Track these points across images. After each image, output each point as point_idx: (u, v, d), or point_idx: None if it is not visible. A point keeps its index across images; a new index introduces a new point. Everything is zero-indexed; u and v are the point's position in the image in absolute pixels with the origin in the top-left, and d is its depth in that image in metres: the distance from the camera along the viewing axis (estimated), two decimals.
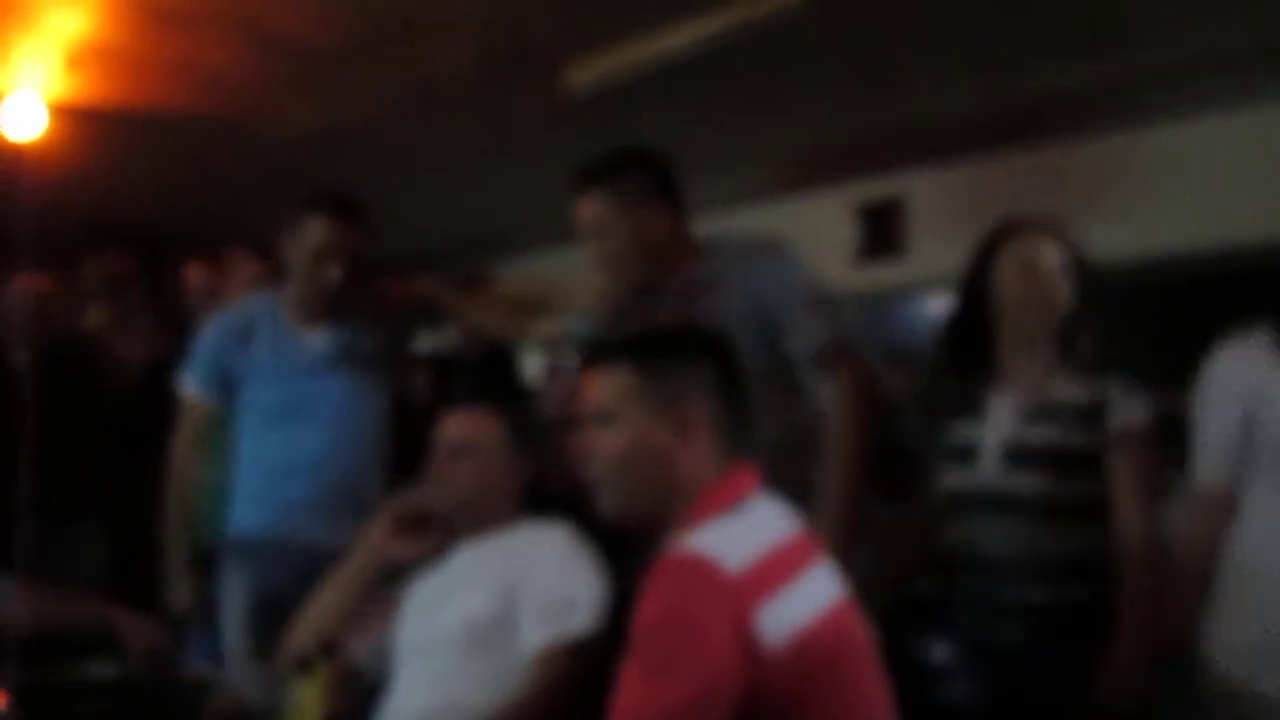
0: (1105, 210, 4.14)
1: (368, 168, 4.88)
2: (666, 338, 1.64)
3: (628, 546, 2.25)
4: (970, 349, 2.36)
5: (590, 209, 2.30)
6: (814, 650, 1.37)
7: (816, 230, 5.14)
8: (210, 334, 2.86)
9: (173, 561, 2.75)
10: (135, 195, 5.03)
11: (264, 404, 2.76)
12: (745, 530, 1.44)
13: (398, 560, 2.13)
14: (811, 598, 1.43)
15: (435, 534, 2.12)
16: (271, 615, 2.53)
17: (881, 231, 4.84)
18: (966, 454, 2.29)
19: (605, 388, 1.56)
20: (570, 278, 2.66)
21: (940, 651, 2.52)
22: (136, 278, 3.76)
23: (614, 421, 1.54)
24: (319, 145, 4.47)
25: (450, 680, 1.96)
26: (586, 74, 3.80)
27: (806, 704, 1.36)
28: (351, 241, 2.76)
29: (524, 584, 1.98)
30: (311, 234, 2.73)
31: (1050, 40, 3.44)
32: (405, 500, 2.16)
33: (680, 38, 3.54)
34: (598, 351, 1.62)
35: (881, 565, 2.37)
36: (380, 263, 5.86)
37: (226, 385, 2.80)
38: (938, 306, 5.05)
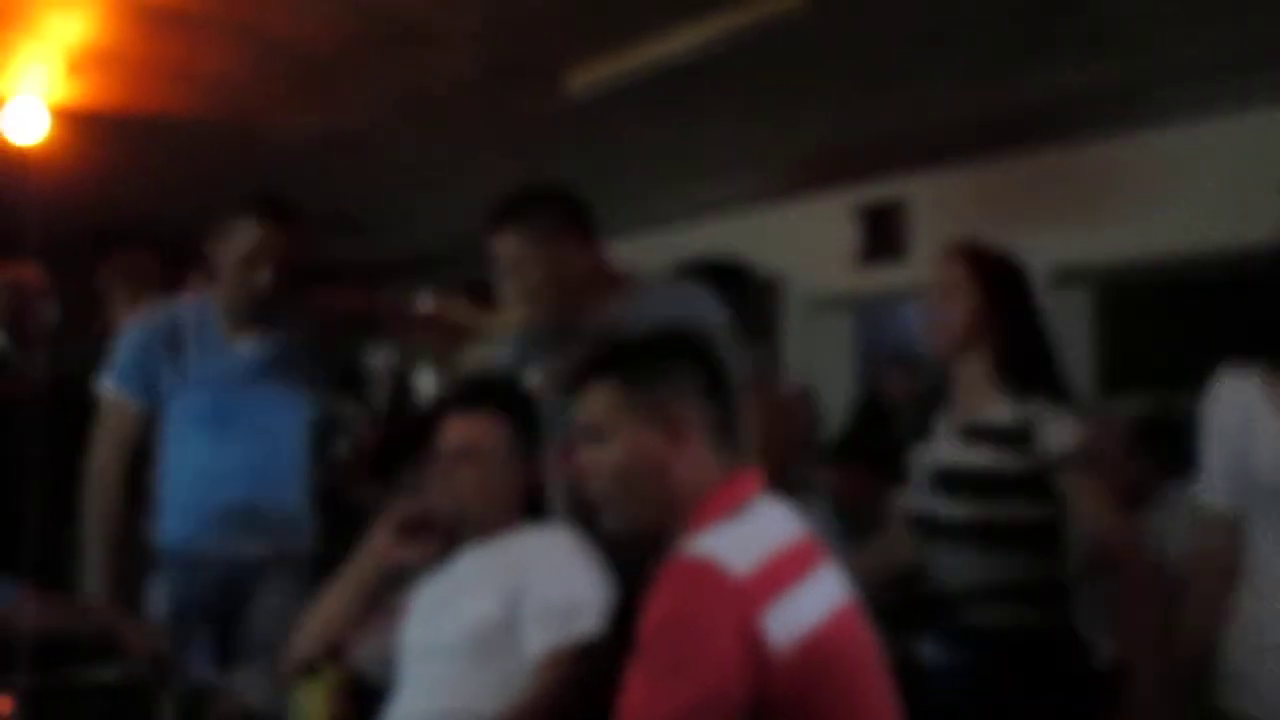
0: (1106, 213, 4.16)
1: (368, 172, 4.90)
2: (647, 347, 1.63)
3: (631, 551, 2.28)
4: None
5: (505, 246, 2.37)
6: (820, 653, 1.37)
7: (817, 233, 5.16)
8: (136, 337, 2.78)
9: (91, 566, 2.65)
10: (137, 199, 5.04)
11: (191, 412, 2.71)
12: (750, 533, 1.44)
13: (401, 565, 2.13)
14: (817, 601, 1.44)
15: (438, 538, 2.12)
16: (188, 626, 2.58)
17: (882, 234, 4.85)
18: (915, 477, 2.31)
19: (593, 405, 1.56)
20: (505, 305, 2.64)
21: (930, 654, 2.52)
22: (156, 275, 3.74)
23: (606, 438, 1.54)
24: (320, 150, 4.47)
25: (454, 685, 1.96)
26: (587, 78, 3.80)
27: (813, 707, 1.37)
28: (282, 247, 2.69)
29: (527, 588, 1.98)
30: (241, 238, 2.67)
31: (1051, 43, 3.44)
32: (408, 505, 2.16)
33: (680, 42, 3.55)
34: (580, 371, 1.62)
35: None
36: (378, 268, 5.87)
37: (152, 390, 2.72)
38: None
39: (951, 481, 2.22)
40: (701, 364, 1.58)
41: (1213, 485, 1.95)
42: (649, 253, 5.46)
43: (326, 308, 2.98)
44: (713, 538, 1.41)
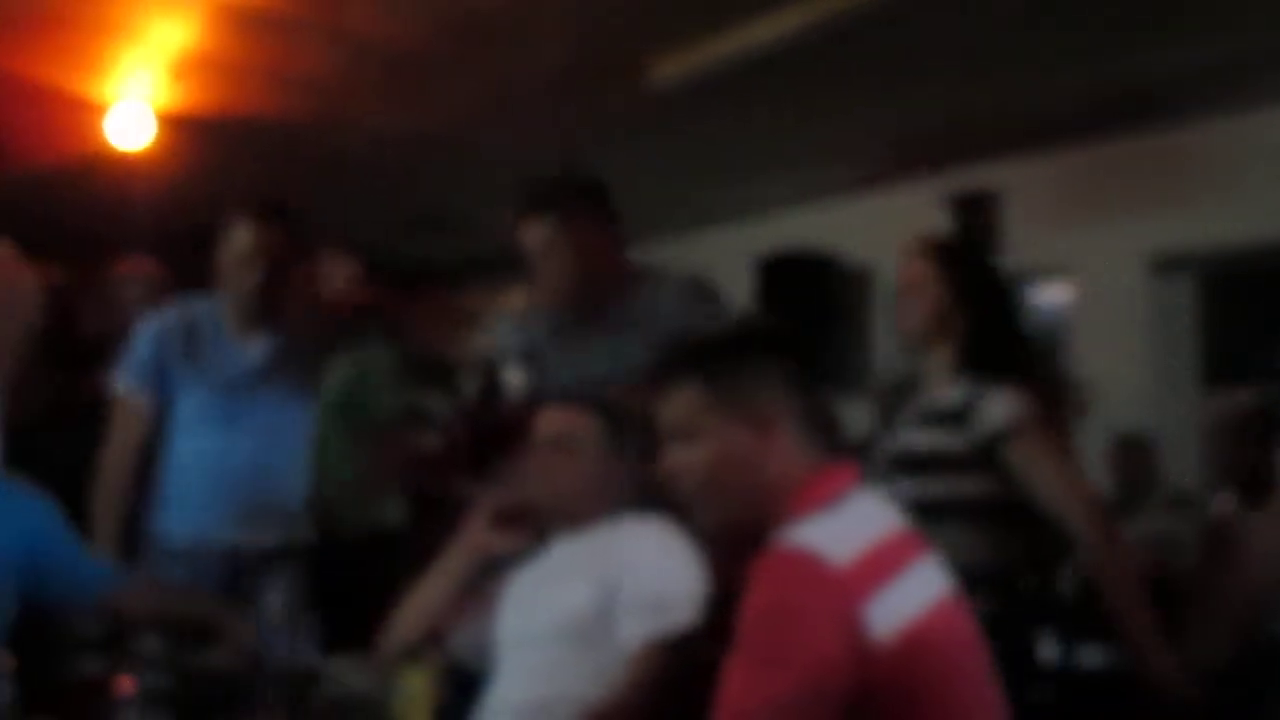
0: (1208, 198, 4.04)
1: (456, 170, 4.96)
2: (727, 342, 1.61)
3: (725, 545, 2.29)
4: None
5: (531, 233, 2.40)
6: (921, 644, 1.35)
7: (908, 222, 5.09)
8: (149, 334, 2.81)
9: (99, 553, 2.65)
10: (235, 200, 5.17)
11: (198, 411, 2.74)
12: (848, 525, 1.42)
13: (495, 554, 2.16)
14: (918, 592, 1.41)
15: (531, 528, 2.15)
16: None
17: (974, 222, 4.77)
18: (878, 462, 2.35)
19: (676, 407, 1.53)
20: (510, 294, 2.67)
21: None
22: None
23: (693, 438, 1.51)
24: (409, 148, 4.55)
25: (551, 673, 1.98)
26: (672, 70, 3.80)
27: (914, 698, 1.35)
28: (276, 245, 2.70)
29: (623, 579, 1.98)
30: (236, 238, 2.69)
31: (1150, 25, 3.36)
32: (501, 495, 2.18)
33: (766, 31, 3.53)
34: (660, 371, 1.60)
35: None
36: (465, 266, 5.92)
37: (164, 387, 2.75)
38: (1035, 298, 4.96)
39: (902, 464, 2.28)
40: (782, 355, 1.56)
41: None
42: (736, 244, 5.47)
43: (329, 304, 3.03)
44: (810, 528, 1.40)
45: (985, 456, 2.20)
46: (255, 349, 2.76)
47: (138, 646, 2.11)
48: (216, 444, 2.71)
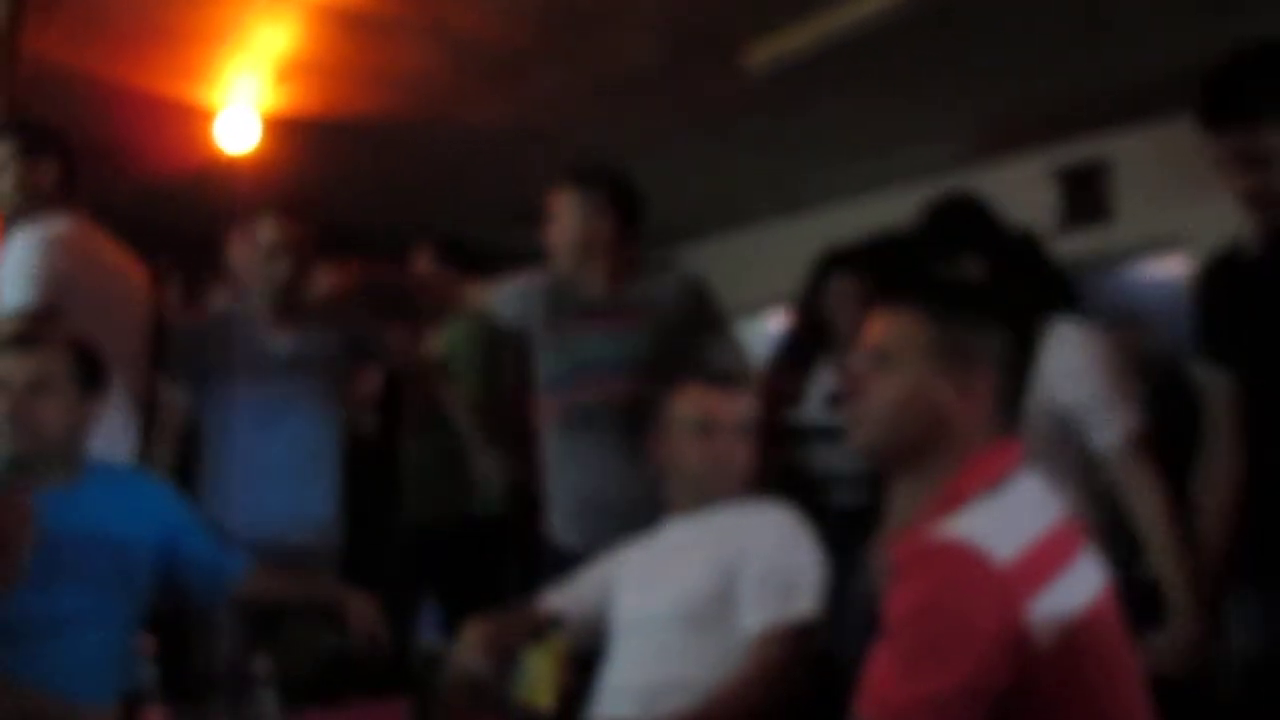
0: None
1: (555, 163, 4.98)
2: (971, 294, 1.57)
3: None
4: None
5: (558, 202, 2.71)
6: (1081, 643, 1.30)
7: (1015, 197, 4.96)
8: (186, 333, 2.94)
9: None
10: (341, 201, 5.27)
11: (233, 406, 2.80)
12: (1013, 514, 1.36)
13: None
14: (1080, 589, 1.35)
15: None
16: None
17: (1084, 196, 4.64)
18: None
19: (890, 328, 1.48)
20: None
21: None
22: None
23: (894, 365, 1.46)
24: (510, 142, 4.58)
25: (670, 656, 1.97)
26: (770, 53, 3.77)
27: (1071, 697, 1.29)
28: (300, 239, 2.79)
29: (744, 563, 1.97)
30: (262, 232, 2.78)
31: None
32: None
33: (861, 10, 3.48)
34: (890, 290, 1.55)
35: None
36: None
37: (200, 383, 2.83)
38: (1149, 272, 4.81)
39: None
40: (1015, 337, 1.51)
41: None
42: (839, 227, 5.39)
43: (347, 287, 3.07)
44: (972, 518, 1.34)
45: None
46: (285, 344, 2.82)
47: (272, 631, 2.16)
48: (251, 443, 2.77)
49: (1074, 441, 2.14)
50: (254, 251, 2.80)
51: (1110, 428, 2.10)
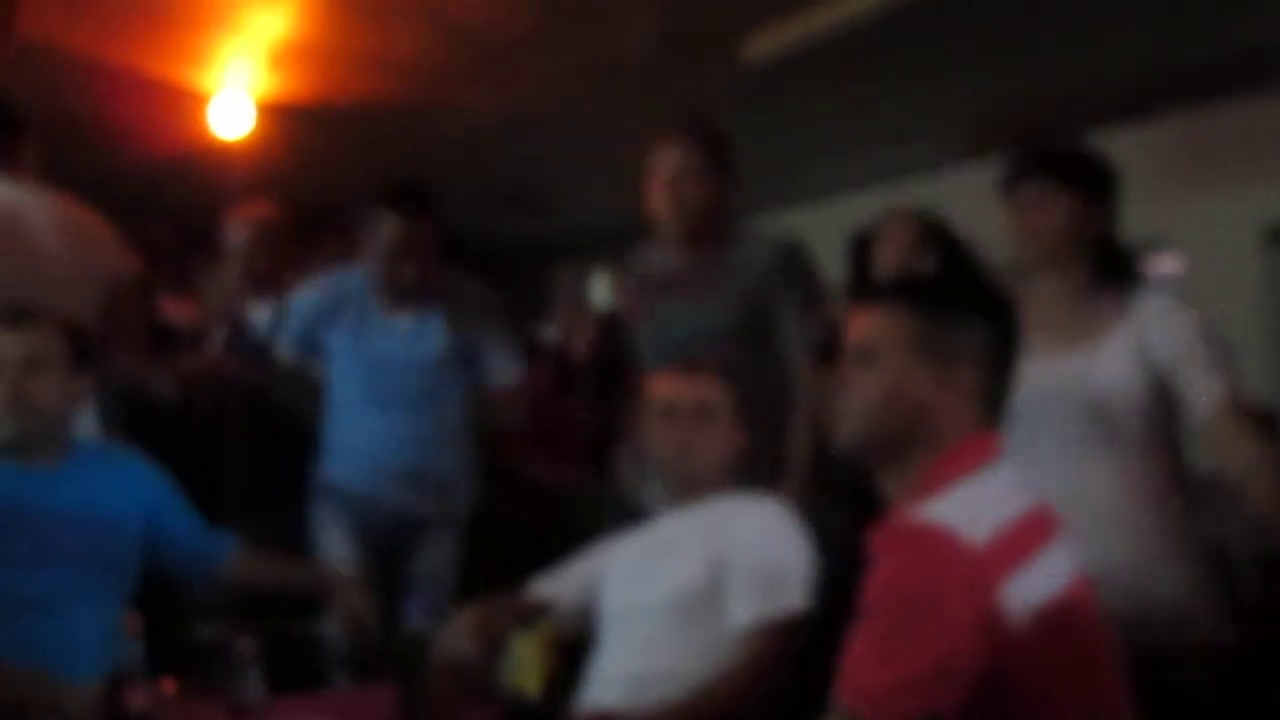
0: None
1: (548, 150, 4.98)
2: (951, 291, 1.58)
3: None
4: None
5: (672, 153, 2.59)
6: (1055, 627, 1.31)
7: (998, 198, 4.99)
8: (301, 299, 2.96)
9: None
10: (333, 185, 5.25)
11: (349, 379, 2.86)
12: (987, 500, 1.38)
13: None
14: (1054, 573, 1.37)
15: None
16: (371, 556, 2.77)
17: None
18: None
19: (874, 326, 1.50)
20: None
21: None
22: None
23: (877, 361, 1.48)
24: (503, 129, 4.57)
25: (658, 647, 1.97)
26: (763, 46, 3.77)
27: (1047, 681, 1.31)
28: (423, 237, 2.78)
29: (733, 555, 1.97)
30: (385, 230, 2.76)
31: None
32: None
33: (858, 5, 3.48)
34: (870, 289, 1.58)
35: None
36: (554, 245, 5.95)
37: (315, 348, 2.91)
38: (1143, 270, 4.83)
39: None
40: (999, 333, 1.52)
41: None
42: (830, 221, 5.40)
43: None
44: (947, 503, 1.36)
45: None
46: (400, 326, 2.84)
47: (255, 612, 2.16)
48: (372, 419, 2.82)
49: (1168, 410, 2.06)
50: (375, 244, 2.78)
51: (1209, 391, 2.03)
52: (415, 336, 2.83)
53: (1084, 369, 2.03)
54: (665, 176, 2.58)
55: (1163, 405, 2.03)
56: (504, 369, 2.93)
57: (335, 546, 2.82)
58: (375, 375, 2.83)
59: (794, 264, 2.62)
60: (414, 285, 2.80)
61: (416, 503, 2.83)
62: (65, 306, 2.27)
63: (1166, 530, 2.01)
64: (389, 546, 2.81)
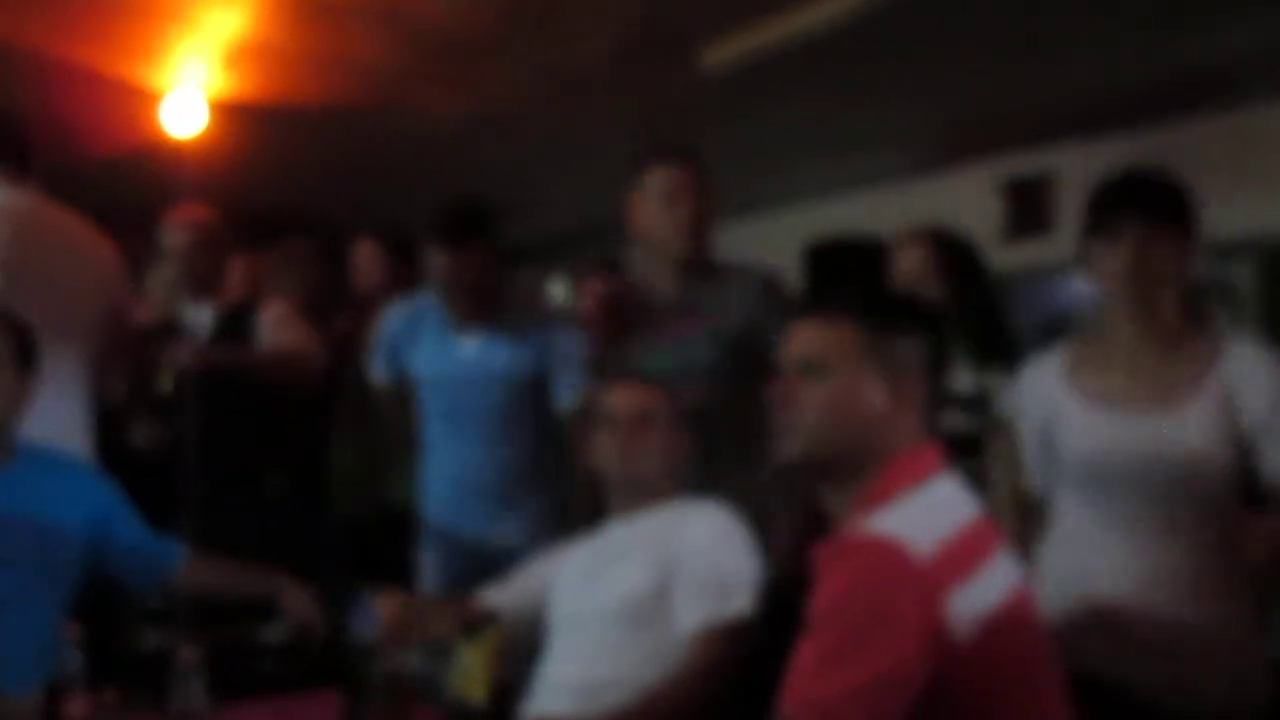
0: (1272, 182, 3.96)
1: (511, 154, 4.97)
2: (898, 304, 1.59)
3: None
4: None
5: (671, 173, 2.57)
6: (998, 638, 1.33)
7: (962, 208, 5.04)
8: (388, 323, 2.96)
9: None
10: (290, 186, 5.21)
11: (430, 403, 2.85)
12: (931, 511, 1.40)
13: None
14: (996, 584, 1.38)
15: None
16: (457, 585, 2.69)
17: (1029, 208, 4.71)
18: None
19: (823, 339, 1.49)
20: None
21: None
22: (318, 261, 3.87)
23: (828, 374, 1.47)
24: (463, 133, 4.55)
25: (606, 654, 1.98)
26: (725, 54, 3.78)
27: (990, 691, 1.32)
28: (472, 268, 2.67)
29: (681, 561, 1.98)
30: (432, 264, 2.70)
31: (1208, 5, 3.29)
32: None
33: (819, 14, 3.50)
34: (818, 300, 1.58)
35: None
36: (513, 250, 5.92)
37: (401, 370, 2.90)
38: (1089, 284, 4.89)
39: None
40: (936, 343, 1.54)
41: (1026, 468, 2.07)
42: (788, 229, 5.43)
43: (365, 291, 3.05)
44: (893, 515, 1.37)
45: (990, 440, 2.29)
46: (473, 345, 2.77)
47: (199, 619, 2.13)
48: (447, 438, 2.80)
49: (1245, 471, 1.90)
50: (430, 274, 2.73)
51: None
52: (485, 355, 2.75)
53: (1175, 430, 1.87)
54: (660, 196, 2.54)
55: (1243, 467, 1.89)
56: (567, 389, 2.74)
57: (425, 576, 2.82)
58: (452, 397, 2.79)
59: (777, 297, 2.61)
60: (474, 313, 2.72)
61: (501, 530, 2.75)
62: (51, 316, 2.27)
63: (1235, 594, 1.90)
64: (474, 574, 2.67)
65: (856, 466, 1.46)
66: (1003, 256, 4.82)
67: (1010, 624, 1.36)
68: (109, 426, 2.85)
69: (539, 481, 2.79)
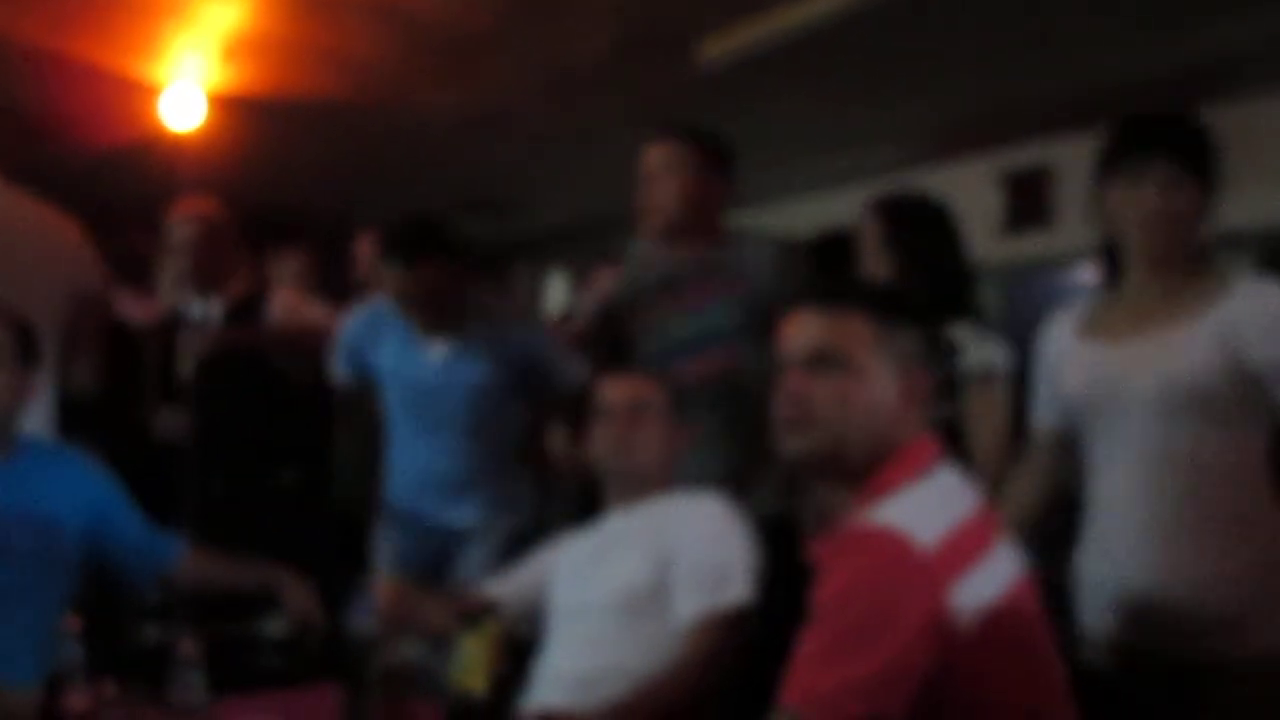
0: (1269, 174, 3.95)
1: (505, 150, 4.97)
2: (906, 298, 1.60)
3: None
4: None
5: (656, 153, 2.60)
6: (1000, 628, 1.33)
7: (961, 200, 5.03)
8: (349, 324, 2.96)
9: None
10: (287, 181, 5.22)
11: (395, 403, 2.86)
12: (933, 502, 1.40)
13: None
14: (999, 575, 1.38)
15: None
16: (415, 570, 2.80)
17: (1028, 201, 4.71)
18: None
19: (835, 331, 1.47)
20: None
21: None
22: (315, 267, 3.89)
23: (848, 367, 1.45)
24: (460, 128, 4.55)
25: (605, 644, 1.99)
26: (723, 48, 3.78)
27: (992, 681, 1.32)
28: (425, 285, 2.66)
29: (679, 552, 1.99)
30: (386, 280, 2.71)
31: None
32: None
33: (815, 9, 3.50)
34: (827, 291, 1.56)
35: None
36: (512, 245, 5.93)
37: (363, 370, 2.90)
38: (1088, 276, 4.89)
39: None
40: (930, 327, 1.54)
41: (1038, 409, 2.07)
42: (788, 223, 5.42)
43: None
44: (896, 506, 1.37)
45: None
46: (437, 350, 2.77)
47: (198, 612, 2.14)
48: (417, 439, 2.82)
49: (1261, 401, 1.81)
50: (386, 289, 2.75)
51: None
52: (453, 365, 2.75)
53: (1161, 353, 1.82)
54: (644, 174, 2.60)
55: (1250, 398, 1.79)
56: (573, 380, 2.75)
57: (383, 563, 2.84)
58: (418, 401, 2.81)
59: (793, 264, 2.63)
60: (435, 325, 2.73)
61: (456, 514, 2.80)
62: (16, 304, 2.24)
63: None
64: (431, 558, 2.81)
65: (865, 460, 1.44)
66: (1003, 249, 4.83)
67: (1011, 615, 1.36)
68: (118, 420, 2.85)
69: (499, 471, 2.83)
